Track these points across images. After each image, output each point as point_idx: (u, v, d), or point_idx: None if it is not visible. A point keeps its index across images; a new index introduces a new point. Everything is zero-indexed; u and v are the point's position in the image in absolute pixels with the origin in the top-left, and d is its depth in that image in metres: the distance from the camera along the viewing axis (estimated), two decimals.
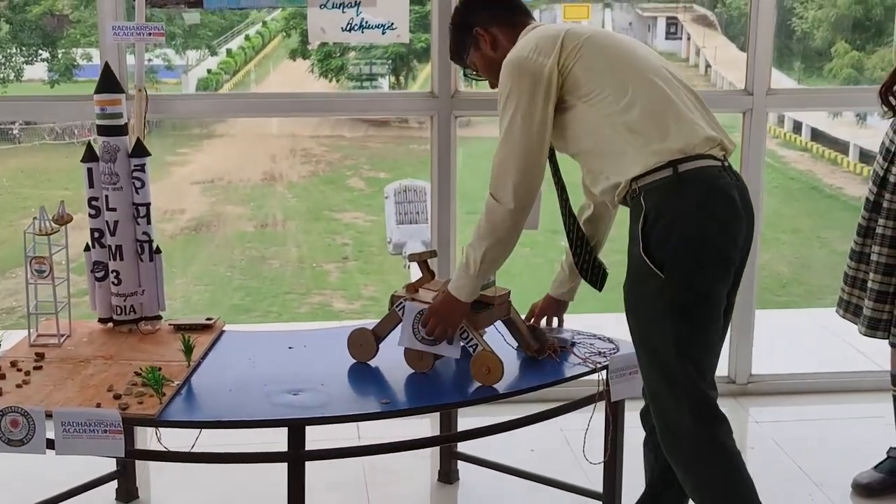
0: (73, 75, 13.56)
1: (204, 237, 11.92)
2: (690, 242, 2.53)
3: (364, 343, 3.06)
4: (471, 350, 2.90)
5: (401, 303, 2.95)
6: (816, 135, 15.51)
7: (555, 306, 3.20)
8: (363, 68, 14.72)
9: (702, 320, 2.58)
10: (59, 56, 13.93)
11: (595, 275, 3.02)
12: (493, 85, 2.86)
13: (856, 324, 3.47)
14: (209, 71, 14.99)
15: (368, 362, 3.07)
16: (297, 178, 14.04)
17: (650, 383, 2.68)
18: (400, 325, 2.97)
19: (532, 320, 3.18)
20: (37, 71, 13.73)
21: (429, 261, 3.10)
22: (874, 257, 3.35)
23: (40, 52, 13.99)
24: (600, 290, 3.04)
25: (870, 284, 3.37)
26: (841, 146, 15.01)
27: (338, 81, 14.47)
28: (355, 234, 12.39)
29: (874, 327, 3.38)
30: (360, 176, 14.03)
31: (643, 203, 2.56)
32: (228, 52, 15.62)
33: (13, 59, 13.66)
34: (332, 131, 15.14)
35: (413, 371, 3.01)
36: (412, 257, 3.09)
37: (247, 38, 16.11)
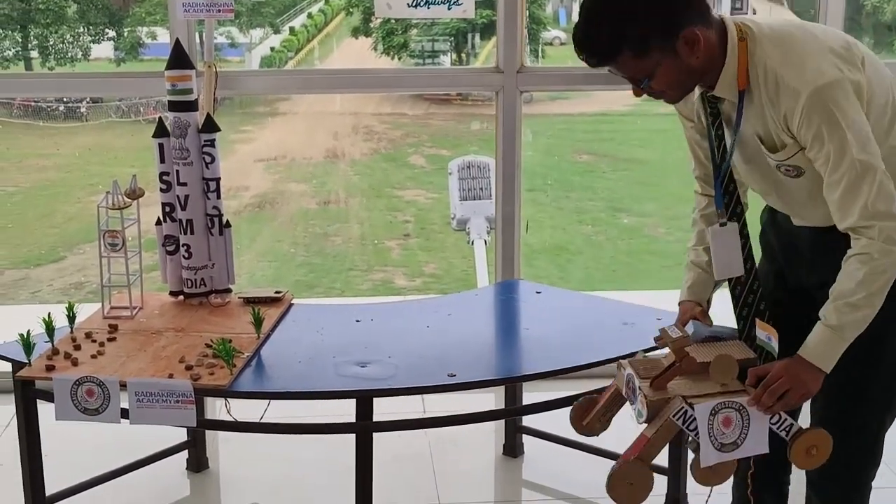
0: (139, 54, 13.74)
1: (267, 214, 12.05)
2: None
3: (637, 479, 2.27)
4: (784, 434, 2.29)
5: (683, 409, 2.23)
6: None
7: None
8: (425, 45, 14.76)
9: None
10: (125, 35, 14.12)
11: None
12: (672, 100, 2.36)
13: None
14: (272, 49, 15.11)
15: (438, 332, 3.04)
16: (359, 156, 14.12)
17: (864, 435, 2.40)
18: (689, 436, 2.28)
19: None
20: (103, 50, 13.93)
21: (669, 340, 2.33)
22: None
23: (107, 31, 14.19)
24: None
25: None
26: None
27: (400, 59, 14.51)
28: (417, 211, 12.43)
29: None
30: (422, 153, 14.08)
31: None
32: (291, 30, 15.72)
33: (81, 39, 13.87)
34: (394, 109, 15.19)
35: (479, 344, 3.02)
36: (665, 343, 2.35)
37: (309, 15, 16.20)
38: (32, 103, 12.93)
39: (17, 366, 2.92)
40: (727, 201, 2.39)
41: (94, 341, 3.02)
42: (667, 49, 2.20)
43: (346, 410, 2.91)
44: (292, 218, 12.12)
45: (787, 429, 2.26)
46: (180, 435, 3.48)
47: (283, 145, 13.83)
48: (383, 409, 2.90)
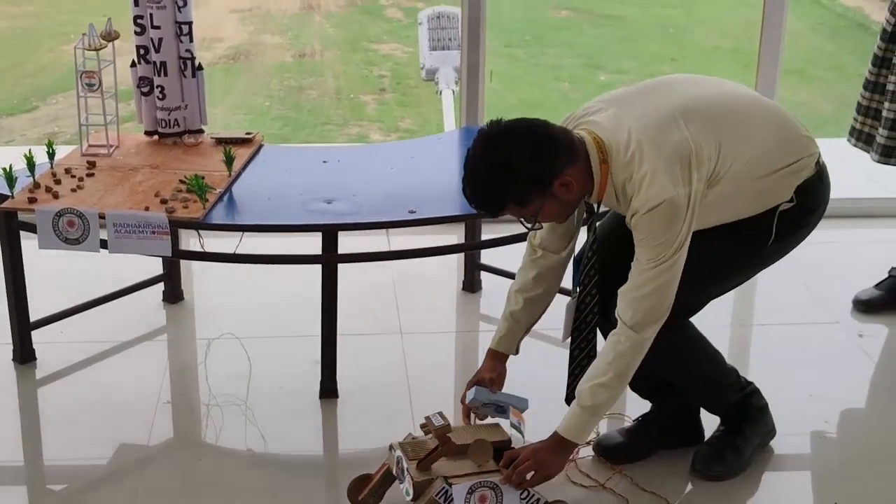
0: None
1: (242, 66, 12.07)
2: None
3: None
4: None
5: (443, 489, 2.53)
6: None
7: (501, 366, 2.90)
8: None
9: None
10: None
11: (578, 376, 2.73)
12: (561, 222, 2.68)
13: (867, 152, 3.66)
14: None
15: (401, 173, 3.22)
16: (335, 8, 14.04)
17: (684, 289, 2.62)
18: None
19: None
20: None
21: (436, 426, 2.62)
22: (890, 87, 3.51)
23: None
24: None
25: (884, 113, 3.53)
26: None
27: None
28: (393, 65, 12.44)
29: (888, 154, 3.57)
30: (399, 6, 14.00)
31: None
32: None
33: None
34: None
35: (441, 184, 3.23)
36: (429, 430, 2.66)
37: None
38: None
39: (0, 198, 3.13)
40: (586, 282, 2.71)
41: (73, 176, 3.22)
42: (545, 195, 2.50)
43: (313, 246, 3.13)
44: (267, 70, 12.14)
45: (535, 502, 2.59)
46: (156, 268, 3.71)
47: None
48: (351, 246, 3.14)
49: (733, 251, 2.70)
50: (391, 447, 2.67)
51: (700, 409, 3.00)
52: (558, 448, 2.64)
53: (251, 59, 12.19)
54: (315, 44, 12.80)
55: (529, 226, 2.58)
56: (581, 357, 2.77)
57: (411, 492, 2.55)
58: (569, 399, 2.79)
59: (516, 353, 2.88)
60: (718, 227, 2.64)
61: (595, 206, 2.66)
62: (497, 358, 2.87)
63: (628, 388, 2.91)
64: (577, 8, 13.75)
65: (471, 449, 2.57)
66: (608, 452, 2.94)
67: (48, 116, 10.11)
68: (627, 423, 3.05)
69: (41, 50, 11.68)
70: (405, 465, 2.58)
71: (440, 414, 2.63)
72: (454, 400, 3.32)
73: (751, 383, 2.97)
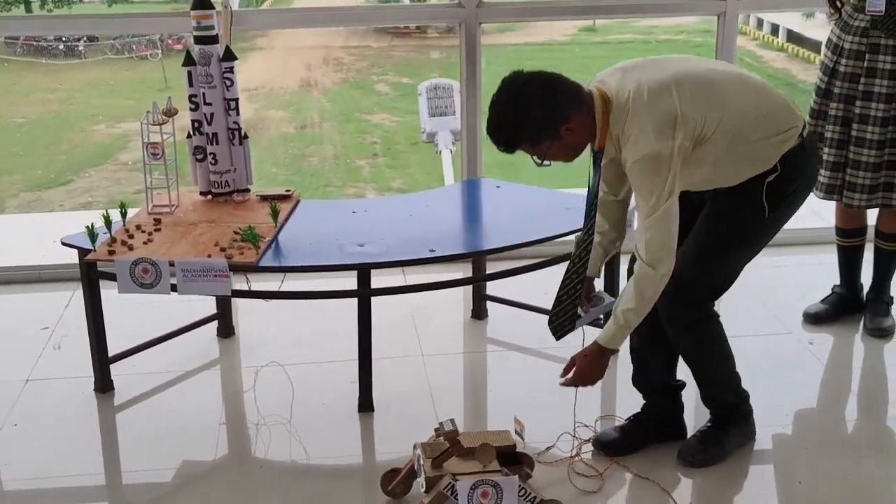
0: None
1: (251, 139, 12.23)
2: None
3: None
4: (529, 503, 2.76)
5: (451, 484, 2.67)
6: (792, 36, 15.60)
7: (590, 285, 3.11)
8: None
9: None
10: None
11: (563, 325, 3.00)
12: (568, 161, 2.83)
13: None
14: None
15: (419, 219, 3.41)
16: (331, 85, 14.32)
17: (707, 272, 2.86)
18: None
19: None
20: None
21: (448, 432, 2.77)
22: (828, 135, 3.73)
23: None
24: (558, 339, 3.03)
25: (825, 157, 3.75)
26: (814, 46, 15.16)
27: None
28: (384, 133, 12.68)
29: (830, 192, 3.78)
30: (387, 82, 14.29)
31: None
32: None
33: None
34: (360, 42, 15.39)
35: (452, 227, 3.43)
36: (440, 434, 2.81)
37: None
38: (34, 42, 13.00)
39: (83, 252, 3.31)
40: (591, 217, 2.91)
41: (143, 232, 3.41)
42: (554, 138, 2.70)
43: (341, 285, 3.33)
44: (273, 142, 12.36)
45: (531, 500, 2.74)
46: (211, 308, 3.88)
47: (263, 77, 14.00)
48: (375, 283, 3.31)
49: (736, 230, 2.88)
50: (414, 446, 2.85)
51: (683, 409, 3.19)
52: (598, 354, 2.86)
53: (259, 131, 12.42)
54: (314, 116, 13.06)
55: (539, 162, 2.76)
56: (567, 302, 2.96)
57: (424, 485, 2.71)
58: (557, 334, 3.01)
59: (599, 275, 3.10)
60: (718, 213, 2.84)
61: (600, 154, 2.82)
62: (588, 281, 3.04)
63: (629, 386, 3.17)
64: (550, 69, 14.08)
65: (477, 452, 2.72)
66: (606, 447, 3.13)
67: (82, 188, 10.28)
68: (620, 422, 3.23)
69: (74, 130, 11.89)
70: (422, 463, 2.74)
71: (451, 420, 2.79)
72: (471, 408, 3.52)
73: (745, 392, 3.15)
